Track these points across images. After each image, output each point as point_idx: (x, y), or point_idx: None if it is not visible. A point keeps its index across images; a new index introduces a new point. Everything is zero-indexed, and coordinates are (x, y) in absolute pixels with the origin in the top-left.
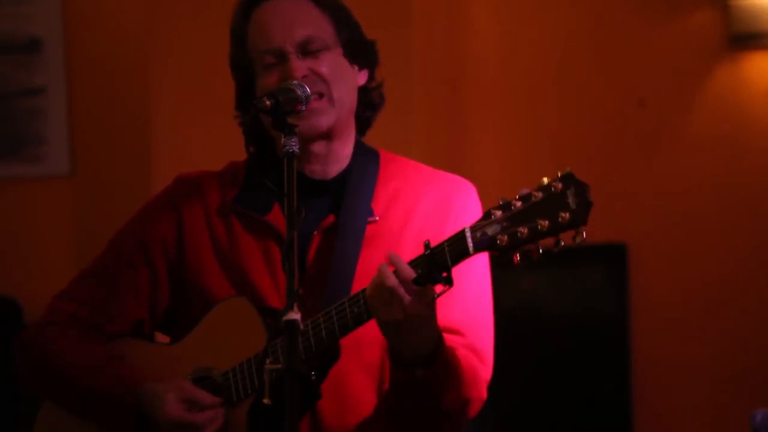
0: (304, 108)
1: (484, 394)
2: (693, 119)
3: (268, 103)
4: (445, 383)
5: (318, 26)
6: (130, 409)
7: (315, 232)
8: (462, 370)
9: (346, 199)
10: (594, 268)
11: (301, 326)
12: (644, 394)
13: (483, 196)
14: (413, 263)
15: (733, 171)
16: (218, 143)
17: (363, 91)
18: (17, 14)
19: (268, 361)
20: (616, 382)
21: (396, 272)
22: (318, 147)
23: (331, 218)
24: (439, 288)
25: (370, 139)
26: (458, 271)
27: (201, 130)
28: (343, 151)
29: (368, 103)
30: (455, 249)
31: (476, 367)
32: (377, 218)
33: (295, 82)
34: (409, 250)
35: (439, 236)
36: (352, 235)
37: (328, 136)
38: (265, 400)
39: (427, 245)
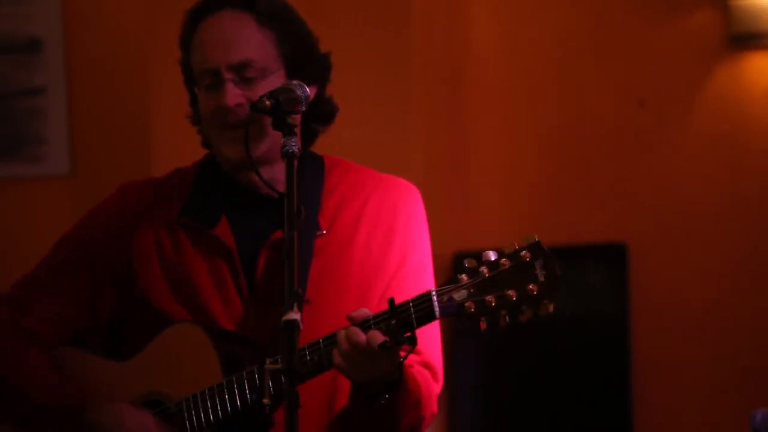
0: (304, 108)
1: (436, 409)
2: (693, 119)
3: (267, 103)
4: (405, 407)
5: (257, 48)
6: (77, 425)
7: (263, 248)
8: (420, 390)
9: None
10: (594, 268)
11: (301, 326)
12: (644, 394)
13: (483, 196)
14: (376, 320)
15: (733, 171)
16: None
17: (311, 106)
18: (17, 14)
19: (268, 361)
20: (616, 382)
21: (351, 337)
22: (261, 172)
23: (278, 234)
24: (404, 348)
25: (371, 139)
26: (408, 291)
27: None
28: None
29: (316, 117)
30: (421, 311)
31: (430, 384)
32: (324, 232)
33: (294, 82)
34: (358, 259)
35: (387, 247)
36: (299, 250)
37: (266, 161)
38: (265, 400)
39: (391, 303)
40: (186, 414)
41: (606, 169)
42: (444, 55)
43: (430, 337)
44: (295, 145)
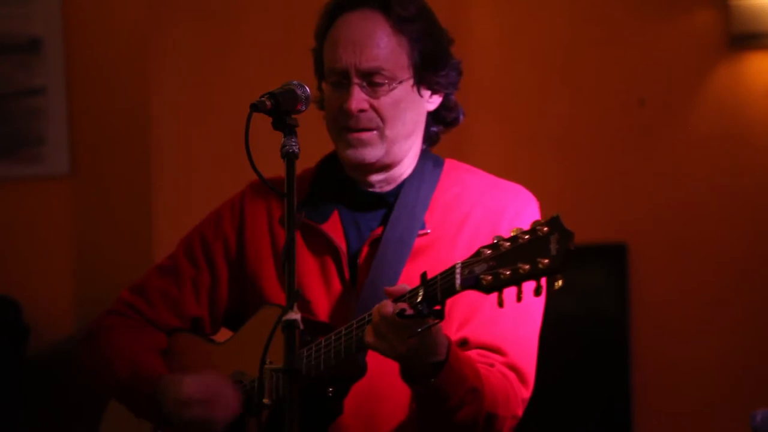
0: (304, 108)
1: (520, 412)
2: (693, 119)
3: (268, 103)
4: (459, 393)
5: (389, 56)
6: (150, 399)
7: (365, 245)
8: (485, 382)
9: (395, 211)
10: (594, 268)
11: (301, 326)
12: (644, 394)
13: None
14: (410, 294)
15: (733, 171)
16: (218, 143)
17: (434, 111)
18: (17, 14)
19: (268, 361)
20: (616, 382)
21: (381, 310)
22: (374, 177)
23: (378, 230)
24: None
25: None
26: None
27: (201, 130)
28: (402, 172)
29: (438, 120)
30: (444, 284)
31: (512, 386)
32: (429, 231)
33: (294, 82)
34: (459, 259)
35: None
36: (396, 247)
37: (382, 168)
38: (265, 400)
39: (423, 277)
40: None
41: (606, 169)
42: None
43: (520, 340)
44: (295, 144)
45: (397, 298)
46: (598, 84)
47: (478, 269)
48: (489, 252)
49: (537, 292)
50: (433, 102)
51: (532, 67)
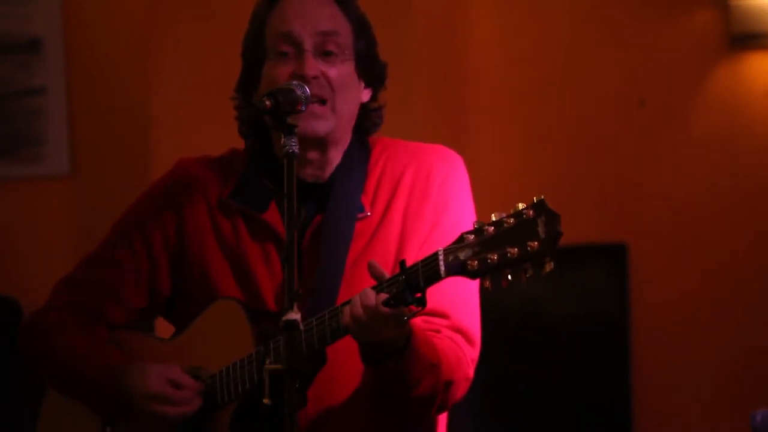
0: (304, 108)
1: (470, 374)
2: (693, 119)
3: (267, 103)
4: (416, 373)
5: (339, 29)
6: (111, 390)
7: (307, 232)
8: (440, 354)
9: (331, 197)
10: (594, 268)
11: (302, 327)
12: (644, 394)
13: (482, 196)
14: (389, 282)
15: (733, 171)
16: (219, 143)
17: (363, 108)
18: (17, 14)
19: (267, 361)
20: (616, 382)
21: (363, 300)
22: (312, 154)
23: (317, 219)
24: (413, 308)
25: None
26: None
27: (201, 130)
28: (338, 157)
29: (367, 120)
30: (427, 271)
31: (461, 348)
32: (368, 213)
33: (294, 82)
34: (396, 232)
35: (421, 213)
36: (337, 232)
37: (323, 143)
38: (265, 401)
39: (402, 264)
40: (218, 386)
41: (606, 169)
42: (444, 55)
43: (461, 301)
44: (295, 144)
45: (377, 286)
46: (598, 84)
47: (462, 255)
48: (472, 237)
49: (525, 273)
50: (365, 94)
51: (532, 67)
